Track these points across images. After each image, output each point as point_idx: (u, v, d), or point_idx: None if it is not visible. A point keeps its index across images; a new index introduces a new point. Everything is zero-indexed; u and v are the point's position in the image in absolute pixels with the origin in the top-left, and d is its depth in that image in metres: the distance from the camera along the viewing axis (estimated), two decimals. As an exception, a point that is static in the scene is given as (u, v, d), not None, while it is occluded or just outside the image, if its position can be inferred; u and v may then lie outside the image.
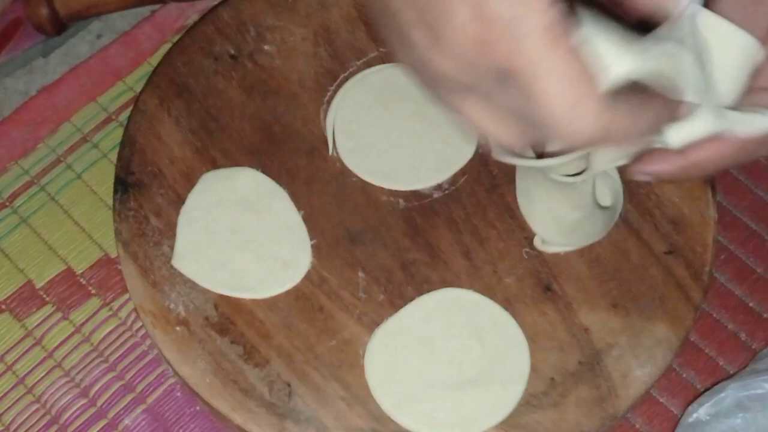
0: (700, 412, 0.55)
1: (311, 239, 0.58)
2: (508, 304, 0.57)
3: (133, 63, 0.68)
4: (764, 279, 0.63)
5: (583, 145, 0.37)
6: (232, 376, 0.54)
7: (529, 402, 0.54)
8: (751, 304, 0.62)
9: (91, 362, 0.60)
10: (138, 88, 0.66)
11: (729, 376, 0.60)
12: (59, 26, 0.67)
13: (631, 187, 0.59)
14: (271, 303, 0.56)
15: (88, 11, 0.66)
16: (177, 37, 0.68)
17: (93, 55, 0.68)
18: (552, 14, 0.34)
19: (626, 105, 0.37)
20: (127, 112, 0.66)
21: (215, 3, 0.67)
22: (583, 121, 0.35)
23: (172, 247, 0.57)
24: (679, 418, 0.58)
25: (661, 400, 0.60)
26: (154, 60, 0.68)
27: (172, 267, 0.57)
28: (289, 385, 0.54)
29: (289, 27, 0.64)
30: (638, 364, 0.55)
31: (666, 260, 0.58)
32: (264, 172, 0.60)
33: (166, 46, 0.68)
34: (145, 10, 0.69)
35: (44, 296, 0.61)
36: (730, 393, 0.54)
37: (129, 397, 0.59)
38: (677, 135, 0.41)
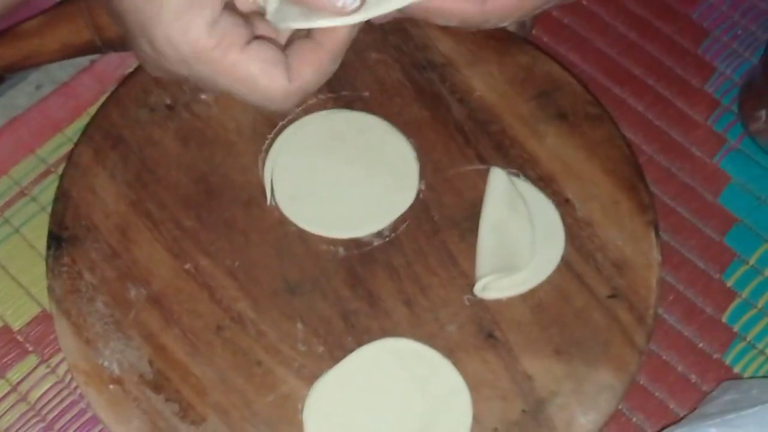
0: (646, 458, 0.54)
1: (246, 293, 0.57)
2: (450, 352, 0.56)
3: (73, 114, 0.67)
4: (713, 319, 0.62)
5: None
6: (168, 434, 0.53)
7: (472, 453, 0.53)
8: (700, 345, 0.62)
9: (27, 422, 0.59)
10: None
11: (679, 419, 0.59)
12: (-5, 78, 0.66)
13: (573, 230, 0.59)
14: (207, 358, 0.55)
15: (24, 62, 0.65)
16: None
17: (31, 107, 0.67)
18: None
19: None
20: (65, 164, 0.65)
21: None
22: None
23: (105, 303, 0.56)
24: (629, 464, 0.57)
25: (611, 445, 0.59)
26: (94, 110, 0.67)
27: (105, 323, 0.56)
28: (226, 443, 0.53)
29: (226, 75, 0.63)
30: (582, 411, 0.55)
31: (609, 304, 0.57)
32: (199, 223, 0.58)
33: (106, 96, 0.67)
34: (84, 60, 0.68)
35: (-20, 355, 0.60)
36: (675, 439, 0.53)
37: (68, 458, 0.58)
38: None
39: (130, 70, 0.68)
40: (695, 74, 0.70)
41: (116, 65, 0.69)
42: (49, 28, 0.65)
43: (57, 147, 0.66)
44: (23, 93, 0.69)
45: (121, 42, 0.64)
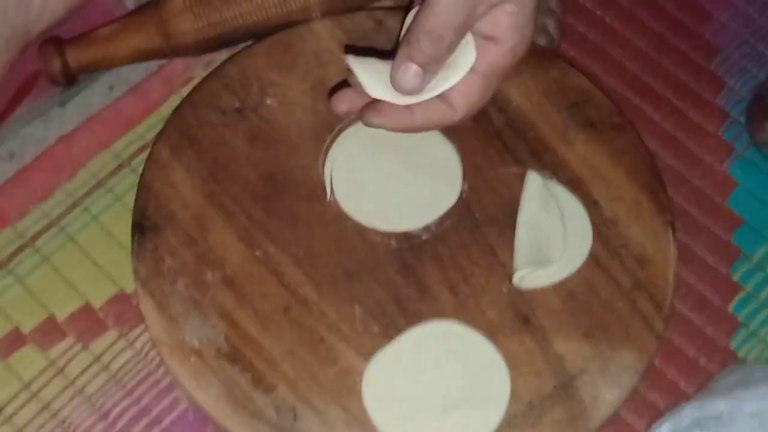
0: (662, 429, 0.61)
1: (310, 279, 0.64)
2: (490, 334, 0.63)
3: (144, 113, 0.73)
4: (720, 309, 0.69)
5: None
6: (242, 401, 0.60)
7: (509, 423, 0.60)
8: (708, 332, 0.69)
9: (110, 389, 0.65)
10: (148, 137, 0.72)
11: (688, 398, 0.66)
12: (71, 78, 0.72)
13: (600, 229, 0.66)
14: (276, 335, 0.62)
15: (97, 65, 0.72)
16: (184, 89, 0.74)
17: (107, 106, 0.73)
18: None
19: None
20: (138, 159, 0.72)
21: (219, 56, 0.73)
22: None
23: (185, 285, 0.63)
24: (645, 434, 0.64)
25: (627, 419, 0.66)
26: (164, 110, 0.73)
27: (185, 303, 0.62)
28: (294, 409, 0.60)
29: (289, 82, 0.70)
30: (607, 388, 0.62)
31: (631, 294, 0.64)
32: (267, 215, 0.65)
33: (174, 97, 0.74)
34: (152, 64, 0.75)
35: (65, 329, 0.67)
36: (688, 413, 0.61)
37: (145, 421, 0.64)
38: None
39: (197, 73, 0.74)
40: (707, 88, 0.77)
41: (183, 69, 0.75)
42: (122, 34, 0.72)
43: (130, 143, 0.73)
44: (97, 93, 0.75)
45: (186, 49, 0.71)
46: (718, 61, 0.78)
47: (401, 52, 0.57)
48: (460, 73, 0.58)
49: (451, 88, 0.58)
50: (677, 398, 0.66)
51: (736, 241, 0.72)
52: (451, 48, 0.57)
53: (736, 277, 0.71)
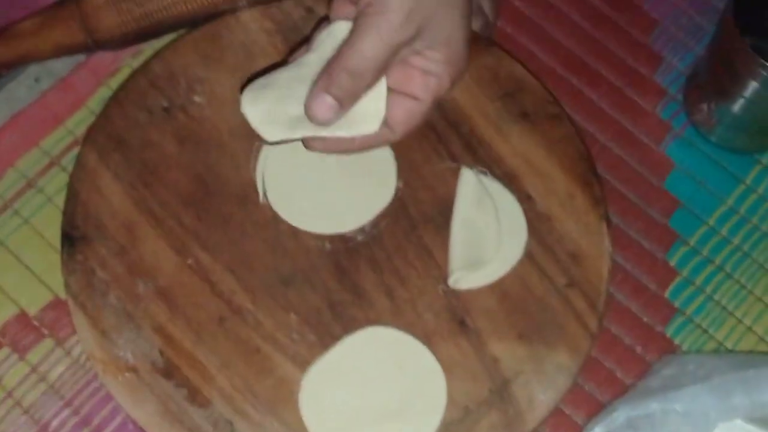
0: (596, 430, 0.62)
1: (244, 286, 0.63)
2: (426, 338, 0.63)
3: (72, 107, 0.72)
4: (657, 295, 0.70)
5: None
6: (179, 416, 0.60)
7: (446, 429, 0.61)
8: (645, 319, 0.69)
9: (48, 400, 0.65)
10: (78, 132, 0.71)
11: (625, 388, 0.67)
12: (-7, 74, 0.70)
13: (534, 224, 0.66)
14: (211, 346, 0.62)
15: (20, 60, 0.70)
16: (112, 80, 0.72)
17: (33, 102, 0.72)
18: None
19: None
20: (68, 156, 0.70)
21: (148, 45, 0.72)
22: None
23: (117, 297, 0.63)
24: (582, 428, 0.65)
25: (566, 411, 0.67)
26: (92, 103, 0.72)
27: (118, 316, 0.62)
28: (231, 423, 0.61)
29: (217, 78, 0.68)
30: (542, 389, 0.62)
31: (566, 292, 0.64)
32: (198, 220, 0.64)
33: (103, 89, 0.72)
34: (79, 55, 0.73)
35: (0, 339, 0.66)
36: (621, 413, 0.61)
37: (85, 431, 0.64)
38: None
39: (125, 63, 0.72)
40: (645, 64, 0.77)
41: (111, 59, 0.73)
42: (44, 29, 0.70)
43: (59, 139, 0.71)
44: (23, 85, 0.73)
45: (111, 43, 0.69)
46: (655, 34, 0.78)
47: (320, 83, 0.56)
48: (374, 124, 0.58)
49: (394, 114, 0.58)
50: (614, 388, 0.68)
51: (672, 224, 0.72)
52: (370, 86, 0.56)
53: (672, 262, 0.71)
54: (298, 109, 0.57)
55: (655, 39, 0.77)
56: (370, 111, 0.57)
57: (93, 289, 0.63)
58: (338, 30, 0.58)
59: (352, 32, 0.55)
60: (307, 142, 0.59)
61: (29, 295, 0.67)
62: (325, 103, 0.55)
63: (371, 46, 0.55)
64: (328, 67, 0.55)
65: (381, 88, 0.58)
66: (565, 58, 0.76)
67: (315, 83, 0.56)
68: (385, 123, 0.58)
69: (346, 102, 0.56)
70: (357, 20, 0.55)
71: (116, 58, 0.73)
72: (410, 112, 0.58)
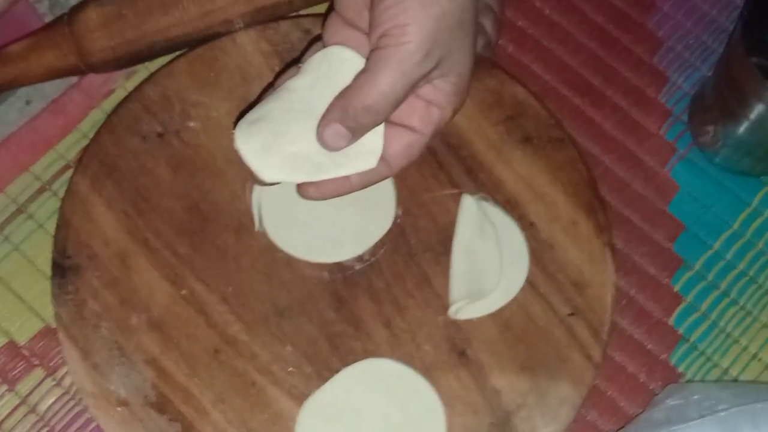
0: (599, 466, 0.60)
1: (239, 317, 0.62)
2: (426, 370, 0.62)
3: (64, 131, 0.70)
4: (661, 322, 0.69)
5: None
6: (173, 452, 0.59)
7: (446, 465, 0.60)
8: (649, 347, 0.68)
9: (38, 432, 0.64)
10: (69, 156, 0.69)
11: (629, 417, 0.66)
12: (-17, 97, 0.69)
13: (536, 252, 0.64)
14: (206, 380, 0.61)
15: (11, 84, 0.69)
16: (105, 102, 0.70)
17: (23, 125, 0.70)
18: None
19: None
20: (59, 181, 0.69)
21: (142, 66, 0.70)
22: None
23: (109, 330, 0.61)
24: (584, 459, 0.64)
25: (567, 441, 0.65)
26: (84, 126, 0.70)
27: (110, 349, 0.61)
28: (226, 460, 0.59)
29: (212, 102, 0.67)
30: (544, 422, 0.61)
31: (569, 322, 0.63)
32: (193, 250, 0.63)
33: (95, 111, 0.71)
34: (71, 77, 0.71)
35: (-10, 369, 0.65)
36: (624, 448, 0.60)
37: (76, 463, 0.63)
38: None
39: (118, 85, 0.71)
40: (650, 84, 0.75)
41: (103, 80, 0.72)
42: (34, 52, 0.68)
43: (50, 164, 0.70)
44: (13, 108, 0.72)
45: (103, 66, 0.68)
46: (661, 54, 0.76)
47: (334, 115, 0.54)
48: (371, 160, 0.56)
49: (391, 148, 0.56)
50: (617, 418, 0.66)
51: (677, 249, 0.71)
52: (384, 120, 0.54)
53: (677, 288, 0.70)
54: (294, 147, 0.55)
55: (660, 59, 0.76)
56: (367, 146, 0.55)
57: (84, 321, 0.61)
58: (334, 55, 0.56)
59: (370, 64, 0.53)
60: (301, 190, 0.57)
61: (19, 324, 0.66)
62: (339, 132, 0.53)
63: (390, 82, 0.52)
64: (345, 100, 0.53)
65: None
66: (569, 77, 0.74)
67: (330, 111, 0.54)
68: (382, 157, 0.56)
69: (358, 134, 0.54)
70: (374, 52, 0.53)
71: (109, 79, 0.72)
72: (409, 146, 0.56)
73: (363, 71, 0.53)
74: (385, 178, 0.57)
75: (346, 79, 0.55)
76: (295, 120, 0.55)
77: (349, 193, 0.57)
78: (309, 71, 0.57)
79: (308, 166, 0.55)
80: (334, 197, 0.57)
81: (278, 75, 0.61)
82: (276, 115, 0.56)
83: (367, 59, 0.53)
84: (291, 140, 0.55)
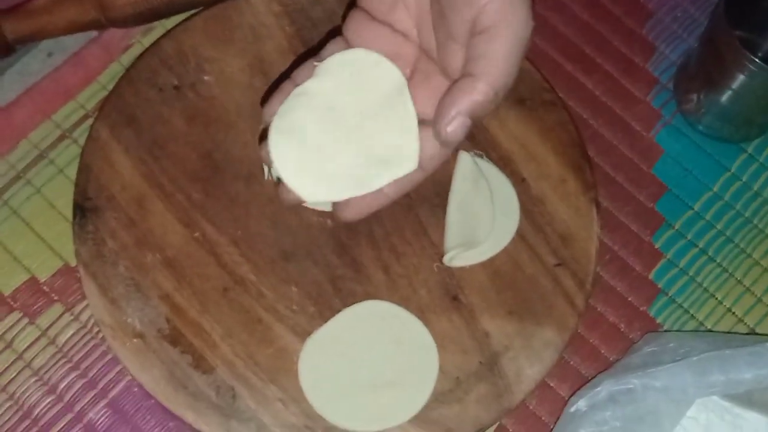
0: (580, 403, 0.65)
1: (248, 259, 0.66)
2: (420, 313, 0.66)
3: (84, 82, 0.74)
4: (642, 276, 0.73)
5: None
6: (183, 381, 0.63)
7: (437, 399, 0.64)
8: (629, 299, 0.72)
9: (57, 362, 0.68)
10: (89, 106, 0.73)
11: (609, 363, 0.70)
12: (7, 49, 0.72)
13: (527, 206, 0.69)
14: (216, 316, 0.65)
15: (34, 36, 0.72)
16: (123, 56, 0.74)
17: (46, 76, 0.74)
18: None
19: None
20: (79, 130, 0.73)
21: (159, 22, 0.74)
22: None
23: (126, 267, 0.65)
24: (567, 400, 0.69)
25: (551, 384, 0.70)
26: (103, 78, 0.74)
27: (127, 285, 0.65)
28: (233, 389, 0.64)
29: (226, 58, 0.71)
30: (529, 363, 0.65)
31: (555, 272, 0.67)
32: (206, 195, 0.67)
33: (114, 65, 0.75)
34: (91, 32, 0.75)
35: (12, 303, 0.69)
36: (604, 387, 0.65)
37: (92, 393, 0.67)
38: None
39: (135, 40, 0.75)
40: (639, 53, 0.79)
41: (122, 36, 0.76)
42: (57, 6, 0.72)
43: (70, 113, 0.74)
44: (36, 60, 0.76)
45: (123, 21, 0.72)
46: (650, 25, 0.80)
47: (452, 104, 0.53)
48: (410, 163, 0.56)
49: (423, 149, 0.55)
50: (598, 363, 0.71)
51: (659, 208, 0.75)
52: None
53: (658, 245, 0.74)
54: (332, 164, 0.55)
55: (649, 29, 0.79)
56: (404, 151, 0.55)
57: (103, 258, 0.65)
58: (357, 59, 0.56)
59: (480, 50, 0.52)
60: (338, 211, 0.58)
61: (40, 262, 0.70)
62: (462, 123, 0.52)
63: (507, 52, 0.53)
64: (467, 83, 0.53)
65: (411, 123, 0.55)
66: (562, 45, 0.78)
67: (446, 101, 0.53)
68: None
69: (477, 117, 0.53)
70: (479, 36, 0.52)
71: (127, 34, 0.75)
72: (444, 153, 0.56)
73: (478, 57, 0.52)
74: (418, 182, 0.57)
75: (376, 86, 0.55)
76: (327, 133, 0.56)
77: (382, 206, 0.58)
78: (330, 72, 0.56)
79: (349, 181, 0.55)
80: (371, 212, 0.58)
81: (293, 65, 0.65)
82: (307, 128, 0.56)
83: (469, 48, 0.53)
84: (327, 157, 0.55)
